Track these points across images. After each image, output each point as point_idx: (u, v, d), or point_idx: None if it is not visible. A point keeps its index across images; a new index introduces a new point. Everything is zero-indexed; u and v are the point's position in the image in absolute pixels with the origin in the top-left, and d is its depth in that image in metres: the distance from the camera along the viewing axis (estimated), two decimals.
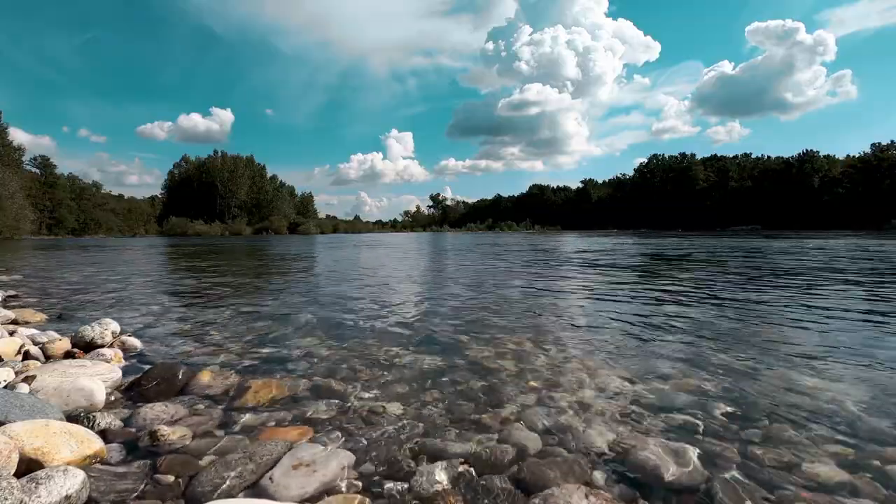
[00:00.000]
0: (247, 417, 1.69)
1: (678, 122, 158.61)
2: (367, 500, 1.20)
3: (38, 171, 57.72)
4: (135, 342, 2.70)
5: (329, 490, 1.24)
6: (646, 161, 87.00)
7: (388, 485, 1.27)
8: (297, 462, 1.32)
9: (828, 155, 64.56)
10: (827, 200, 58.99)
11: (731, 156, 78.15)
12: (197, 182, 76.75)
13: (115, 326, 2.75)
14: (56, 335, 2.64)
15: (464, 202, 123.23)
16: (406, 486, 1.26)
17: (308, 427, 1.61)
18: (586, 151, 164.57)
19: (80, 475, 1.15)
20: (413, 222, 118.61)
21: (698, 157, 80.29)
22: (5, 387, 1.75)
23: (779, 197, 63.58)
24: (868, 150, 59.51)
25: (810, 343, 2.70)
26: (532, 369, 2.25)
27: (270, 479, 1.25)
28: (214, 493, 1.20)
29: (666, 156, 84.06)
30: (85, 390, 1.73)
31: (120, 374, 2.04)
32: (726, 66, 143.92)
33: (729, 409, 1.75)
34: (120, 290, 5.39)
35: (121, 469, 1.32)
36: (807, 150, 64.70)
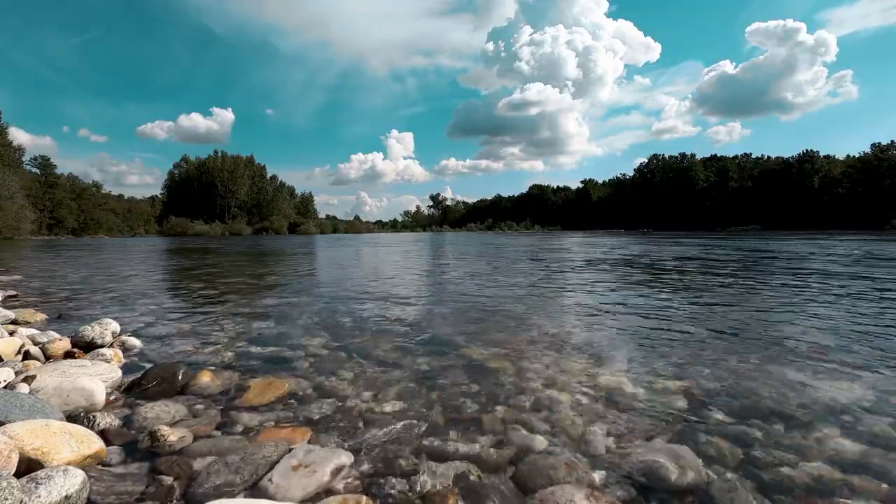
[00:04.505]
0: (247, 417, 1.69)
1: (678, 123, 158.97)
2: (368, 500, 1.19)
3: (38, 171, 57.75)
4: (135, 342, 2.70)
5: (329, 490, 1.24)
6: (646, 161, 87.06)
7: (388, 485, 1.27)
8: (296, 463, 1.32)
9: (828, 155, 64.57)
10: (827, 201, 58.97)
11: (731, 156, 78.22)
12: (197, 182, 76.74)
13: (115, 326, 2.75)
14: (56, 335, 2.64)
15: (464, 202, 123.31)
16: (406, 485, 1.26)
17: (308, 427, 1.61)
18: (587, 151, 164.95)
19: (80, 475, 1.15)
20: (413, 222, 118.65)
21: (698, 157, 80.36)
22: (5, 387, 1.75)
23: (779, 197, 63.56)
24: (868, 150, 59.54)
25: (811, 343, 2.70)
26: (532, 369, 2.25)
27: (270, 479, 1.25)
28: (214, 493, 1.19)
29: (666, 156, 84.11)
30: (85, 390, 1.73)
31: (120, 374, 2.04)
32: (727, 66, 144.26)
33: (729, 409, 1.75)
34: (120, 290, 5.39)
35: (121, 469, 1.32)
36: (807, 151, 64.68)
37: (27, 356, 2.29)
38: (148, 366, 2.23)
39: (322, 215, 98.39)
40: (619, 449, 1.45)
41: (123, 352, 2.50)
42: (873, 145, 59.05)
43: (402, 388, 2.00)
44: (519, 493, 1.24)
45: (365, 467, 1.35)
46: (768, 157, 73.19)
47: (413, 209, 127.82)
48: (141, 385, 1.95)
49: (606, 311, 3.80)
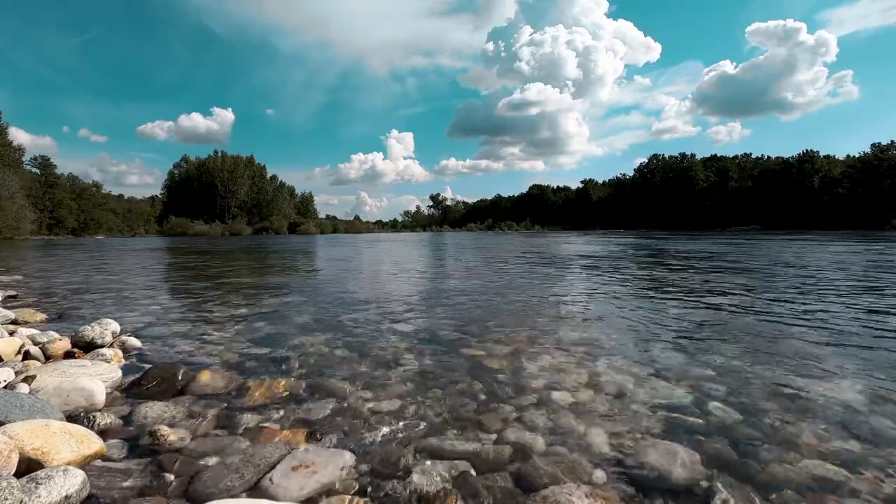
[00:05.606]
0: (247, 417, 1.69)
1: (678, 123, 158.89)
2: (367, 500, 1.20)
3: (38, 171, 57.74)
4: (135, 342, 2.70)
5: (329, 490, 1.24)
6: (646, 161, 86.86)
7: (388, 484, 1.27)
8: (296, 463, 1.32)
9: (828, 155, 64.50)
10: (827, 201, 58.91)
11: (731, 156, 78.10)
12: (197, 182, 76.72)
13: (115, 326, 2.75)
14: (56, 335, 2.64)
15: (464, 202, 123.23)
16: (406, 485, 1.26)
17: (308, 427, 1.61)
18: (587, 151, 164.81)
19: (80, 475, 1.15)
20: (413, 222, 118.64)
21: (698, 157, 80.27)
22: (5, 387, 1.75)
23: (779, 197, 63.49)
24: (868, 150, 59.50)
25: (811, 343, 2.70)
26: (532, 369, 2.25)
27: (271, 479, 1.25)
28: (214, 493, 1.19)
29: (666, 156, 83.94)
30: (85, 390, 1.73)
31: (120, 374, 2.04)
32: (727, 66, 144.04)
33: (729, 408, 1.75)
34: (120, 290, 5.39)
35: (121, 469, 1.32)
36: (807, 151, 64.62)
37: (27, 356, 2.29)
38: (148, 366, 2.23)
39: (322, 215, 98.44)
40: (619, 448, 1.45)
41: (123, 352, 2.50)
42: (873, 145, 58.96)
43: (402, 388, 2.00)
44: (519, 492, 1.24)
45: (365, 467, 1.35)
46: (768, 157, 73.13)
47: (413, 209, 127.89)
48: (141, 385, 1.95)
49: (606, 310, 3.80)
